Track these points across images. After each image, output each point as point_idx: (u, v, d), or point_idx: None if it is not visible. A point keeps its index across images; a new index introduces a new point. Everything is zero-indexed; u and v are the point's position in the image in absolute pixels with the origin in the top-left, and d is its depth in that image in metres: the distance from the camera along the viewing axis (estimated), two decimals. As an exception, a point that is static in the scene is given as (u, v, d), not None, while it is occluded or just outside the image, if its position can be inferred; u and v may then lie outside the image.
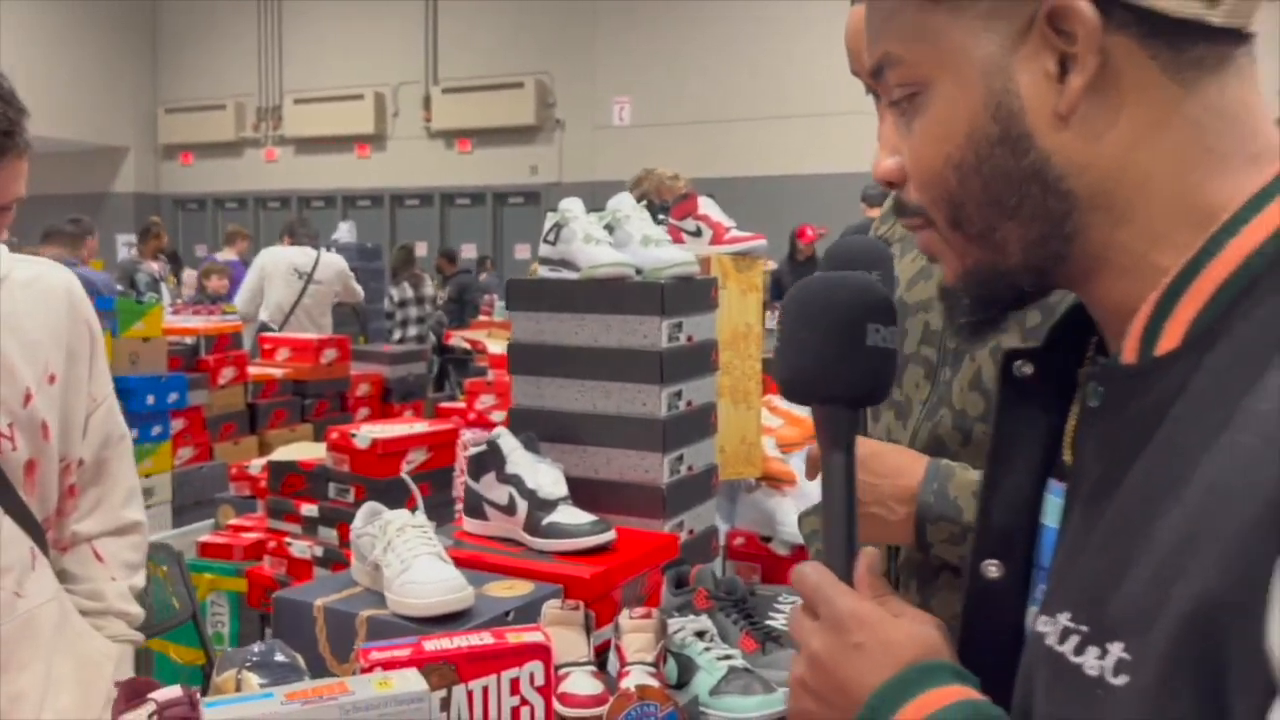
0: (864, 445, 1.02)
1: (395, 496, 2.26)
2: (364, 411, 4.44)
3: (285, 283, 5.42)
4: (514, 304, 1.98)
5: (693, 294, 1.95)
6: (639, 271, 1.89)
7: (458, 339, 5.22)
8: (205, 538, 2.72)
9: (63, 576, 1.42)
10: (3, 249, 1.35)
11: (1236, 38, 0.59)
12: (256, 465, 3.58)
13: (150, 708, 1.17)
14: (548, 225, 1.97)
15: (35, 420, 1.33)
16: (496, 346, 3.78)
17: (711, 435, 2.02)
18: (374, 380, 4.52)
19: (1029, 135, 0.60)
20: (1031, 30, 0.59)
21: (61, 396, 1.38)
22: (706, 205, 2.49)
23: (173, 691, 1.21)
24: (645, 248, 1.91)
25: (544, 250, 1.98)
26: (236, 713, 1.00)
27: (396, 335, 7.58)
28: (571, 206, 1.96)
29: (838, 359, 0.70)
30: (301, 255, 5.50)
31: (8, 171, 1.27)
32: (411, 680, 1.07)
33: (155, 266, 7.28)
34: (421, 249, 11.49)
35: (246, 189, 14.81)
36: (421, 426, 2.32)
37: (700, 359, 1.97)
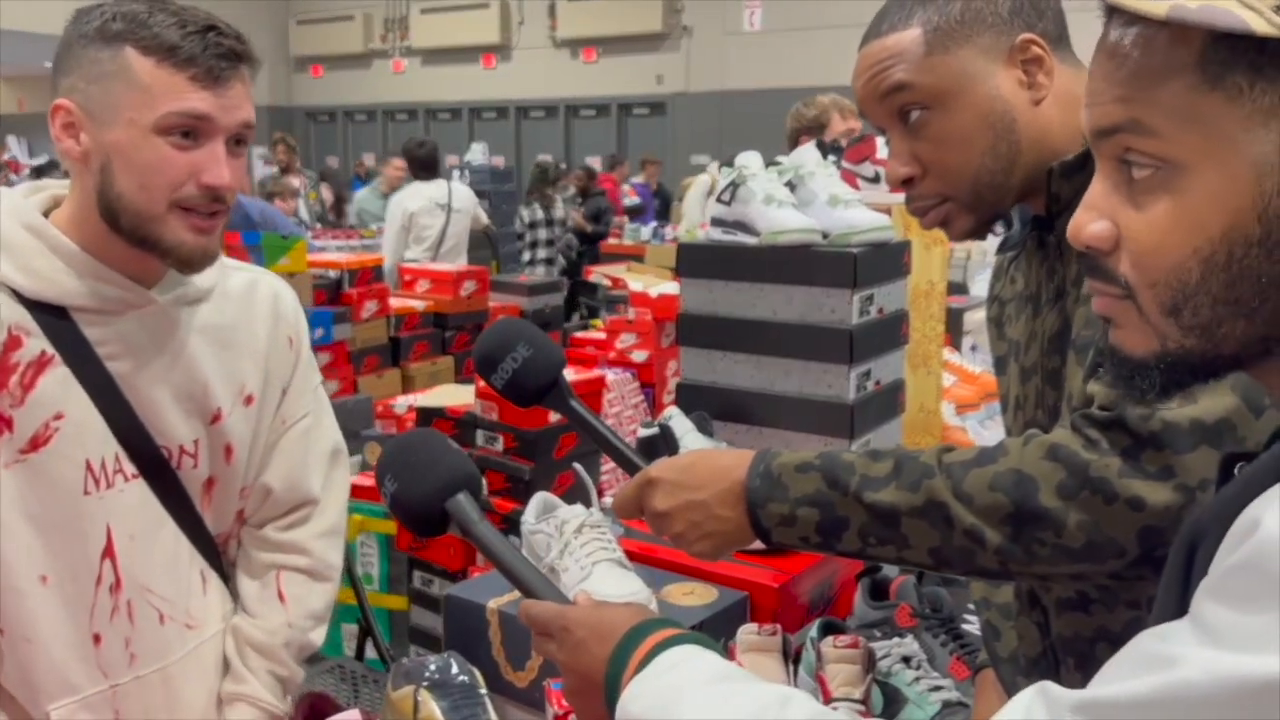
0: (675, 463, 1.02)
1: (545, 445, 2.19)
2: (502, 343, 4.40)
3: (431, 218, 5.33)
4: (685, 269, 1.83)
5: (885, 261, 1.76)
6: (825, 236, 1.71)
7: (598, 275, 5.11)
8: (355, 478, 2.70)
9: (239, 602, 1.32)
10: (221, 256, 1.21)
11: None
12: (402, 404, 3.56)
13: (332, 737, 1.11)
14: (722, 183, 1.79)
15: (220, 441, 1.24)
16: (638, 284, 3.65)
17: (900, 415, 1.85)
18: (512, 312, 4.46)
19: None
20: None
21: (255, 420, 1.28)
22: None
23: (351, 715, 1.15)
24: (833, 209, 1.72)
25: (717, 210, 1.81)
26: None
27: (526, 257, 7.51)
28: (749, 162, 1.78)
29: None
30: (436, 188, 5.41)
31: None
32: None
33: (297, 182, 7.36)
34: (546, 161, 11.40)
35: (375, 101, 14.91)
36: (569, 374, 2.21)
37: (890, 332, 1.79)
